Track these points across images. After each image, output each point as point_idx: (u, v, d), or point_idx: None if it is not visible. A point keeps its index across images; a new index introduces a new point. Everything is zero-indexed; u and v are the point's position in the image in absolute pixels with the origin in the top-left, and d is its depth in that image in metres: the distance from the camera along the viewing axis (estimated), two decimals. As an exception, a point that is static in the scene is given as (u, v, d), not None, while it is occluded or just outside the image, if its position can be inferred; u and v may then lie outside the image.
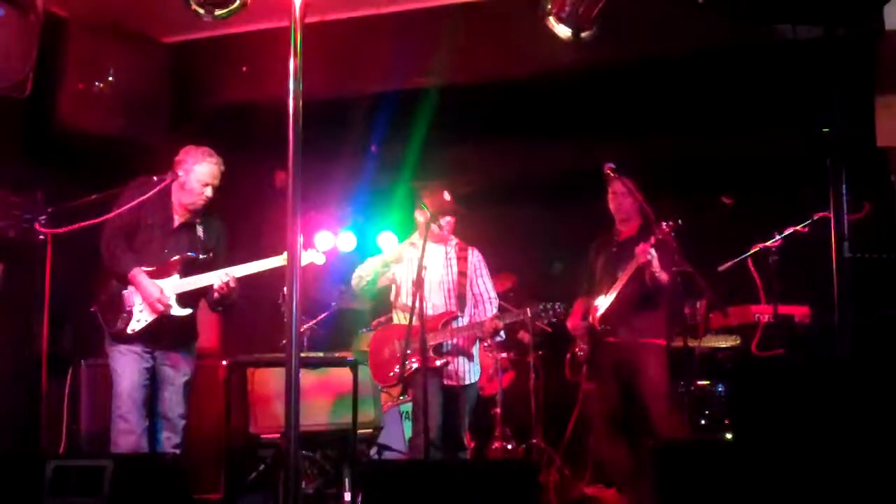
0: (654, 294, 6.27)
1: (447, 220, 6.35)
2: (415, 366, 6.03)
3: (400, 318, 6.46)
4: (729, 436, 6.48)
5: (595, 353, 6.51)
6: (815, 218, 6.23)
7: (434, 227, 6.19)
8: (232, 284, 5.81)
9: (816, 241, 6.02)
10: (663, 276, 6.20)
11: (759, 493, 4.00)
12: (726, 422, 6.43)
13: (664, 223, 6.13)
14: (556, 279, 8.82)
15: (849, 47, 6.33)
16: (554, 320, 6.30)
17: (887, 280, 6.83)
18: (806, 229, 6.35)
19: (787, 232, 6.37)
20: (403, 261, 6.47)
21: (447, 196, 6.30)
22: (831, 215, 5.53)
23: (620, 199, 6.61)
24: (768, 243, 6.35)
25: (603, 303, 6.41)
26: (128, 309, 5.78)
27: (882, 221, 7.00)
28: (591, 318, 6.49)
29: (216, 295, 5.85)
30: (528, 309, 6.30)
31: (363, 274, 6.52)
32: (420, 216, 6.42)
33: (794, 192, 7.15)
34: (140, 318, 5.76)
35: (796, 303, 6.62)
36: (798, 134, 6.78)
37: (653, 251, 6.13)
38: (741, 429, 4.37)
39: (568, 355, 6.85)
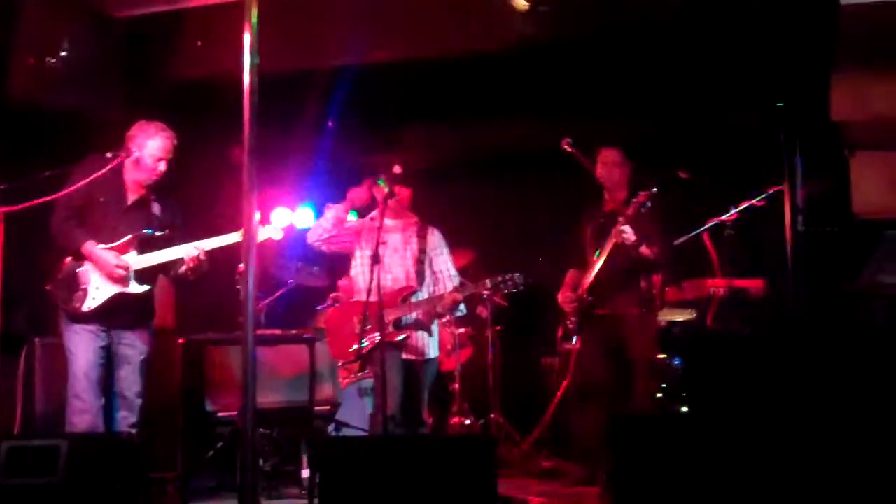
0: (641, 265, 6.28)
1: (401, 193, 6.32)
2: (376, 340, 6.00)
3: (359, 291, 6.43)
4: (685, 409, 6.53)
5: (584, 325, 6.55)
6: (770, 192, 6.28)
7: (391, 201, 6.16)
8: (202, 257, 5.78)
9: (771, 214, 6.08)
10: (646, 251, 6.22)
11: (714, 465, 4.03)
12: (683, 395, 6.48)
13: (639, 194, 6.15)
14: (515, 253, 8.84)
15: (805, 21, 6.37)
16: (514, 290, 6.30)
17: (840, 253, 6.91)
18: (761, 203, 6.40)
19: (742, 206, 6.41)
20: (362, 236, 6.43)
21: (398, 169, 6.27)
22: (786, 189, 5.58)
23: (610, 168, 6.63)
24: (723, 217, 6.40)
25: (590, 273, 6.43)
26: (83, 287, 5.72)
27: (836, 195, 7.07)
28: (579, 290, 6.52)
29: (187, 268, 5.80)
30: (488, 280, 6.31)
31: (322, 223, 6.47)
32: (377, 191, 6.40)
33: (750, 166, 7.21)
34: (96, 296, 5.71)
35: (751, 276, 6.67)
36: (753, 108, 6.83)
37: (627, 229, 6.14)
38: (697, 401, 4.41)
39: (560, 327, 6.88)
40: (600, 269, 6.37)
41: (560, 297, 6.68)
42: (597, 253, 6.41)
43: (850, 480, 3.93)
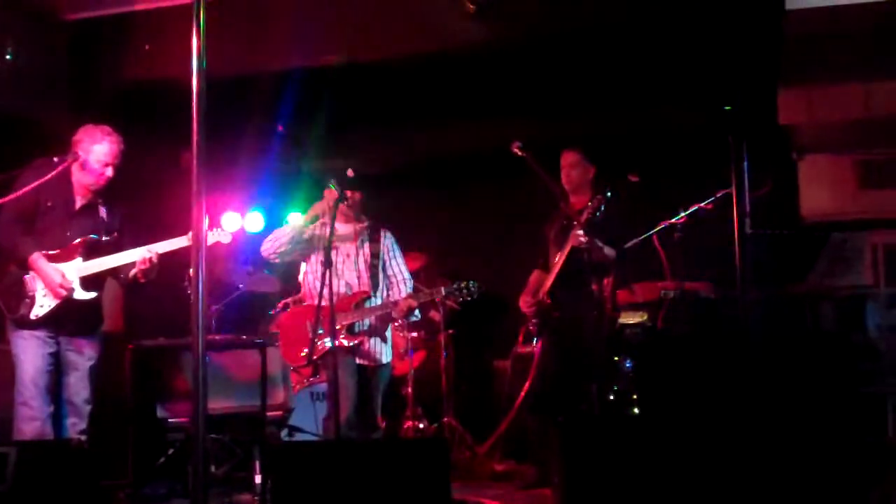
0: (598, 268, 6.30)
1: (352, 197, 6.30)
2: (328, 345, 5.98)
3: (311, 296, 6.40)
4: (636, 410, 6.57)
5: (544, 328, 6.57)
6: (719, 195, 6.33)
7: (343, 205, 6.14)
8: (154, 260, 5.74)
9: (720, 217, 6.13)
10: (608, 252, 6.24)
11: (664, 466, 4.06)
12: (633, 397, 6.52)
13: (596, 197, 6.17)
14: (468, 259, 8.86)
15: (751, 25, 6.44)
16: (468, 299, 6.31)
17: (788, 255, 6.99)
18: (710, 206, 6.45)
19: (691, 209, 6.46)
20: (314, 241, 6.40)
21: (350, 172, 6.26)
22: (733, 192, 5.63)
23: (567, 170, 6.66)
24: (673, 220, 6.44)
25: (550, 276, 6.46)
26: (30, 294, 5.65)
27: (783, 198, 7.16)
28: (539, 293, 6.54)
29: (138, 272, 5.76)
30: (442, 288, 6.31)
31: (279, 237, 6.43)
32: (328, 195, 6.38)
33: (699, 169, 7.27)
34: (43, 304, 5.64)
35: (701, 279, 6.73)
36: (701, 111, 6.89)
37: (580, 233, 6.15)
38: (648, 403, 4.44)
39: (521, 330, 6.89)
40: (559, 273, 6.40)
41: (521, 301, 6.71)
42: (557, 255, 6.45)
43: (798, 479, 3.98)
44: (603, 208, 6.14)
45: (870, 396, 5.82)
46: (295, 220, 8.75)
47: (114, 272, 5.86)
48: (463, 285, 6.27)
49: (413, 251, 8.23)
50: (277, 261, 6.49)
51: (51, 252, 5.67)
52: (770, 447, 4.02)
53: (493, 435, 7.72)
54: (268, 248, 6.42)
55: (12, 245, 5.68)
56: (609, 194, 6.14)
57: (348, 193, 6.17)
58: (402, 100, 8.06)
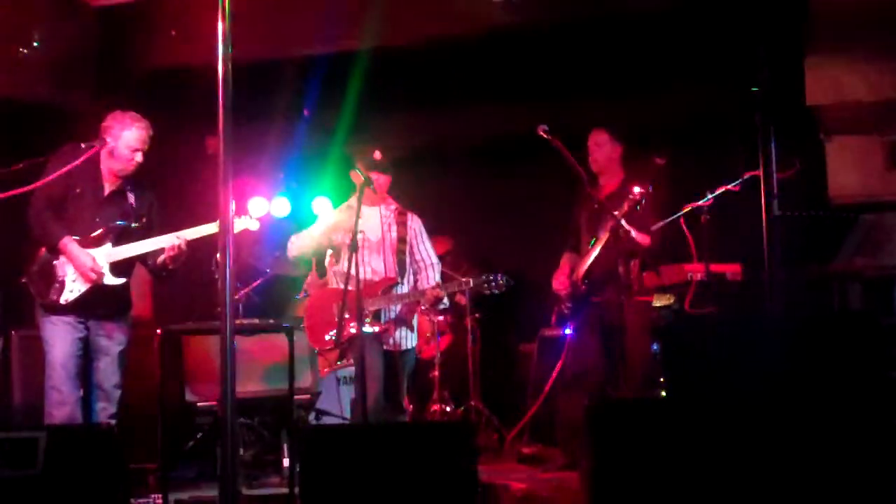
0: (634, 254, 6.29)
1: (380, 179, 6.29)
2: (352, 331, 6.00)
3: (336, 282, 6.42)
4: (663, 394, 6.56)
5: (579, 311, 6.56)
6: (746, 177, 6.29)
7: (370, 188, 6.14)
8: (183, 247, 5.76)
9: (747, 199, 6.10)
10: (641, 240, 6.23)
11: (692, 450, 4.05)
12: (661, 380, 6.50)
13: (635, 188, 6.15)
14: (494, 243, 8.85)
15: (778, 5, 6.39)
16: (496, 291, 6.30)
17: (815, 237, 6.94)
18: (737, 188, 6.41)
19: (718, 191, 6.42)
20: (340, 226, 6.41)
21: (378, 155, 6.25)
22: (761, 174, 5.59)
23: (594, 150, 6.65)
24: (700, 202, 6.41)
25: (586, 261, 6.45)
26: (60, 279, 5.69)
27: (811, 180, 7.11)
28: (574, 276, 6.53)
29: (167, 258, 5.78)
30: (471, 280, 6.31)
31: (301, 245, 6.46)
32: (355, 178, 6.39)
33: (726, 150, 7.23)
34: (73, 289, 5.68)
35: (728, 261, 6.70)
36: (729, 92, 6.86)
37: (626, 227, 6.14)
38: (675, 386, 4.43)
39: (554, 312, 6.89)
40: (596, 258, 6.39)
41: (555, 282, 6.69)
42: (592, 241, 6.42)
43: (828, 463, 3.96)
44: (643, 202, 6.12)
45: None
46: (320, 207, 8.79)
47: (142, 258, 5.89)
48: (491, 278, 6.26)
49: (439, 235, 8.23)
50: (298, 263, 6.55)
51: (80, 238, 5.70)
52: (797, 430, 4.01)
53: (523, 419, 7.73)
54: (293, 249, 6.46)
55: (43, 230, 5.71)
56: (650, 188, 6.12)
57: (374, 177, 6.17)
58: (429, 83, 8.06)
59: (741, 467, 3.99)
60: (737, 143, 6.43)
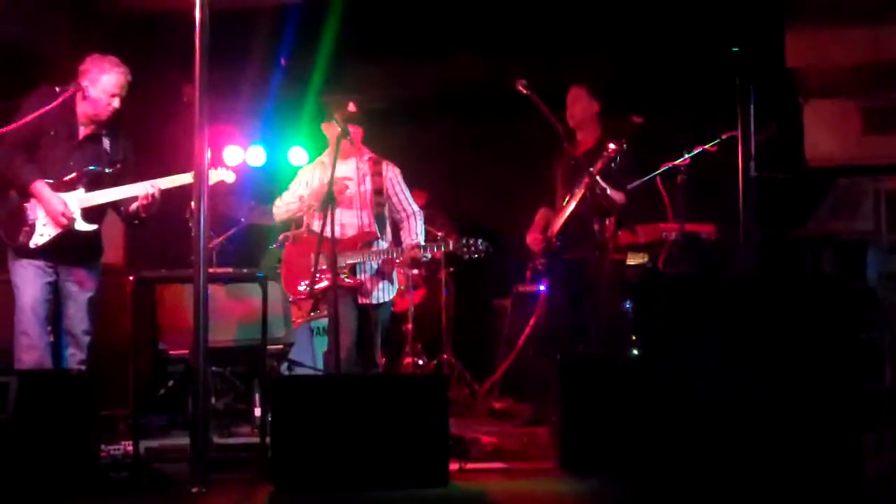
0: (607, 211, 6.29)
1: (353, 133, 6.25)
2: (326, 283, 5.98)
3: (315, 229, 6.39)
4: (634, 352, 6.60)
5: (553, 268, 6.57)
6: (723, 137, 6.30)
7: (346, 139, 6.10)
8: (157, 196, 5.71)
9: (724, 160, 6.11)
10: (616, 196, 6.23)
11: (660, 408, 4.08)
12: (632, 338, 6.54)
13: (610, 144, 6.14)
14: (470, 197, 8.85)
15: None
16: (474, 256, 6.30)
17: (791, 199, 6.97)
18: (714, 148, 6.42)
19: (695, 151, 6.43)
20: (315, 178, 6.37)
21: (352, 107, 6.21)
22: (739, 135, 5.60)
23: (572, 105, 6.64)
24: (676, 162, 6.41)
25: (560, 217, 6.45)
26: (30, 222, 5.63)
27: (788, 142, 7.12)
28: (549, 232, 6.53)
29: (139, 206, 5.73)
30: (451, 242, 6.30)
31: (288, 209, 6.43)
32: (328, 130, 6.35)
33: (704, 111, 7.23)
34: (43, 233, 5.63)
35: (703, 221, 6.72)
36: (708, 52, 6.84)
37: (601, 183, 6.14)
38: (645, 345, 4.45)
39: (528, 268, 6.89)
40: (570, 215, 6.39)
41: (529, 238, 6.70)
42: (566, 199, 6.43)
43: (796, 424, 4.00)
44: (618, 159, 6.11)
45: (868, 344, 5.84)
46: (296, 157, 8.75)
47: (115, 205, 5.84)
48: (471, 242, 6.26)
49: (415, 188, 8.21)
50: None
51: (52, 181, 5.64)
52: (766, 390, 4.04)
53: (495, 373, 7.76)
54: (280, 214, 6.46)
55: (13, 172, 5.62)
56: (625, 146, 6.11)
57: (350, 128, 6.13)
58: (407, 34, 8.00)
59: (708, 426, 4.02)
60: (715, 104, 6.41)
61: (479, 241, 6.26)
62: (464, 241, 6.26)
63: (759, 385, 4.05)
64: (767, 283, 4.44)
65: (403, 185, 6.48)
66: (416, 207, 6.50)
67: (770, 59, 6.87)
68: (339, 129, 6.03)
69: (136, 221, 5.90)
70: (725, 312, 4.19)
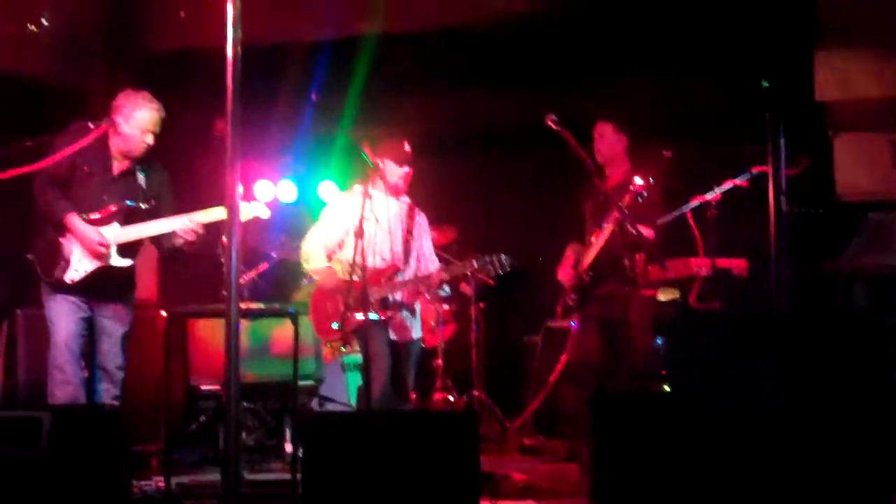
0: (637, 247, 6.27)
1: (405, 172, 6.27)
2: (360, 318, 5.97)
3: (340, 269, 6.39)
4: (666, 388, 6.56)
5: (584, 303, 6.56)
6: (754, 172, 6.28)
7: (392, 178, 6.13)
8: (199, 231, 5.74)
9: (754, 194, 6.08)
10: (645, 232, 6.21)
11: (693, 446, 4.05)
12: (663, 374, 6.51)
13: (637, 179, 6.13)
14: (500, 233, 8.85)
15: (789, 1, 6.37)
16: (499, 272, 6.29)
17: (822, 234, 6.94)
18: (744, 183, 6.40)
19: (725, 186, 6.41)
20: (347, 213, 6.38)
21: (407, 147, 6.23)
22: (769, 169, 5.58)
23: (599, 141, 6.64)
24: (707, 197, 6.39)
25: (590, 253, 6.44)
26: (66, 257, 5.67)
27: (819, 176, 7.09)
28: (579, 268, 6.53)
29: (184, 242, 5.76)
30: (473, 261, 6.29)
31: (315, 252, 6.42)
32: (380, 162, 6.31)
33: (734, 145, 7.22)
34: (78, 268, 5.67)
35: (734, 256, 6.69)
36: (738, 87, 6.84)
37: (621, 215, 6.12)
38: (678, 381, 4.43)
39: (559, 304, 6.88)
40: (600, 250, 6.37)
41: (560, 274, 6.69)
42: (596, 233, 6.42)
43: (830, 462, 3.96)
44: (646, 194, 6.10)
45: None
46: (326, 192, 8.79)
47: (156, 240, 5.87)
48: (494, 258, 6.24)
49: (444, 224, 8.23)
50: None
51: (87, 216, 5.68)
52: (799, 428, 4.01)
53: (526, 410, 7.73)
54: (306, 265, 6.44)
55: (48, 206, 5.67)
56: (652, 180, 6.10)
57: (405, 169, 6.16)
58: (436, 70, 8.04)
59: (742, 464, 3.99)
60: (745, 138, 6.40)
61: (502, 256, 6.23)
62: (486, 257, 6.24)
63: (791, 421, 4.02)
64: (799, 319, 4.42)
65: (427, 233, 6.53)
66: (435, 257, 6.55)
67: (799, 92, 6.86)
68: (386, 166, 6.08)
69: (177, 256, 5.93)
70: (758, 348, 4.16)
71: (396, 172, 6.24)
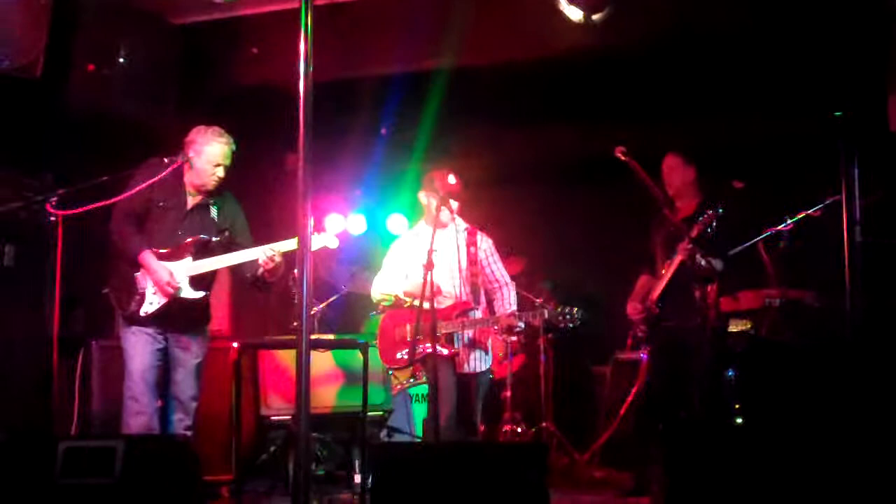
0: (706, 279, 6.22)
1: (457, 203, 6.31)
2: (427, 349, 5.98)
3: (409, 301, 6.42)
4: (739, 420, 6.48)
5: (654, 335, 6.53)
6: (828, 202, 6.21)
7: (445, 210, 6.16)
8: (278, 259, 5.80)
9: (828, 225, 6.01)
10: (715, 263, 6.15)
11: (768, 477, 4.00)
12: (736, 406, 6.44)
13: (707, 211, 6.10)
14: (567, 262, 8.82)
15: (863, 30, 6.30)
16: (570, 325, 6.25)
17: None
18: (818, 213, 6.32)
19: (798, 216, 6.34)
20: (413, 250, 6.41)
21: (453, 179, 6.26)
22: (843, 199, 5.51)
23: (668, 174, 6.61)
24: (779, 227, 6.33)
25: (660, 284, 6.41)
26: (140, 291, 5.77)
27: (894, 207, 6.98)
28: (648, 300, 6.50)
29: (265, 272, 5.83)
30: (546, 311, 6.27)
31: (384, 290, 6.48)
32: (425, 198, 6.40)
33: (807, 175, 7.13)
34: (153, 301, 5.76)
35: (806, 288, 6.60)
36: (811, 117, 6.77)
37: (691, 246, 6.09)
38: (751, 412, 4.38)
39: (629, 336, 6.85)
40: (670, 282, 6.33)
41: (629, 308, 6.65)
42: (666, 265, 6.38)
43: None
44: (715, 224, 6.05)
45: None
46: (395, 225, 8.84)
47: (238, 271, 5.95)
48: (568, 311, 6.20)
49: (513, 255, 8.23)
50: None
51: (162, 251, 5.78)
52: (872, 460, 3.94)
53: (597, 441, 7.67)
54: (375, 297, 6.52)
55: (124, 242, 5.80)
56: (721, 210, 6.05)
57: (447, 200, 6.19)
58: (506, 103, 8.06)
59: (814, 496, 3.93)
60: (818, 169, 6.33)
61: (576, 309, 6.21)
62: (559, 309, 6.21)
63: (862, 453, 3.95)
64: (871, 350, 4.36)
65: (496, 256, 6.50)
66: (508, 278, 6.50)
67: (874, 122, 6.77)
68: (438, 199, 6.10)
69: (262, 286, 6.00)
70: (831, 381, 4.11)
71: (453, 205, 6.26)
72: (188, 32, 7.36)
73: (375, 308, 7.90)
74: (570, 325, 6.25)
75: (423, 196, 6.44)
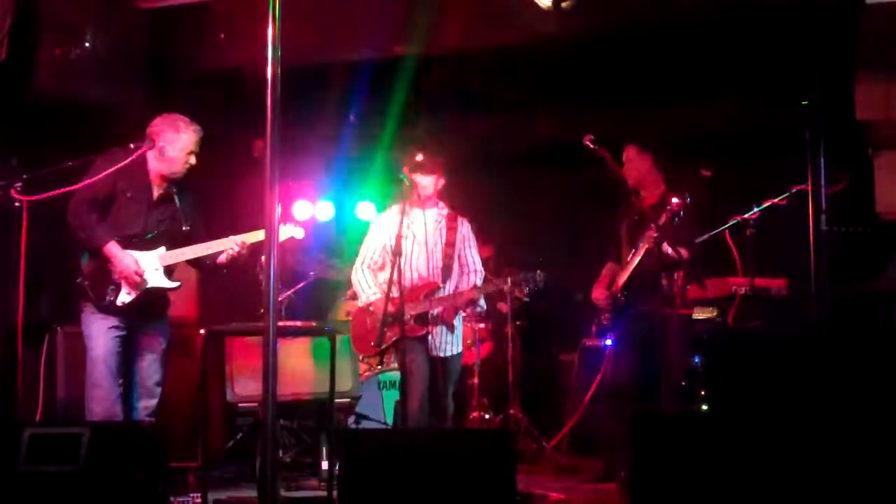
0: (672, 266, 6.25)
1: (430, 180, 6.27)
2: (397, 335, 5.98)
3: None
4: (705, 407, 6.52)
5: (619, 322, 6.54)
6: (793, 191, 6.25)
7: (428, 188, 6.15)
8: (243, 251, 5.81)
9: (794, 213, 6.05)
10: (682, 251, 6.18)
11: (734, 464, 4.03)
12: (702, 393, 6.47)
13: (673, 199, 6.11)
14: (536, 251, 8.84)
15: (830, 20, 6.34)
16: (534, 289, 6.29)
17: (862, 253, 6.88)
18: (784, 202, 6.36)
19: (764, 204, 6.38)
20: (384, 234, 6.39)
21: (420, 157, 6.24)
22: (809, 188, 5.55)
23: (627, 165, 6.62)
24: (746, 216, 6.37)
25: (625, 272, 6.43)
26: (116, 282, 5.70)
27: (859, 195, 7.04)
28: (613, 287, 6.52)
29: (227, 260, 5.84)
30: (508, 278, 6.29)
31: (361, 289, 6.44)
32: (401, 181, 6.36)
33: (773, 164, 7.18)
34: (130, 292, 5.71)
35: (773, 275, 6.65)
36: (777, 106, 6.80)
37: (657, 234, 6.11)
38: (717, 400, 4.41)
39: (594, 323, 6.88)
40: (636, 269, 6.35)
41: (594, 294, 6.67)
42: (631, 252, 6.40)
43: (869, 480, 3.92)
44: (682, 213, 6.07)
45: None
46: (364, 212, 8.83)
47: (196, 260, 5.92)
48: (530, 275, 6.24)
49: (481, 242, 8.23)
50: None
51: (133, 240, 5.73)
52: (838, 448, 3.97)
53: (562, 428, 7.70)
54: (357, 287, 6.45)
55: (85, 232, 5.71)
56: (689, 199, 6.08)
57: (418, 178, 6.17)
58: (473, 91, 8.06)
59: (782, 483, 3.96)
60: (784, 157, 6.37)
61: (538, 272, 6.23)
62: (521, 274, 6.24)
63: (830, 441, 3.99)
64: (838, 338, 4.39)
65: (473, 243, 6.48)
66: (479, 266, 6.48)
67: (840, 111, 6.81)
68: (405, 181, 6.08)
69: (218, 273, 6.00)
70: (797, 368, 4.13)
71: (423, 182, 6.25)
72: (155, 17, 7.30)
73: (344, 294, 7.91)
74: (535, 289, 6.27)
75: (405, 174, 6.33)
